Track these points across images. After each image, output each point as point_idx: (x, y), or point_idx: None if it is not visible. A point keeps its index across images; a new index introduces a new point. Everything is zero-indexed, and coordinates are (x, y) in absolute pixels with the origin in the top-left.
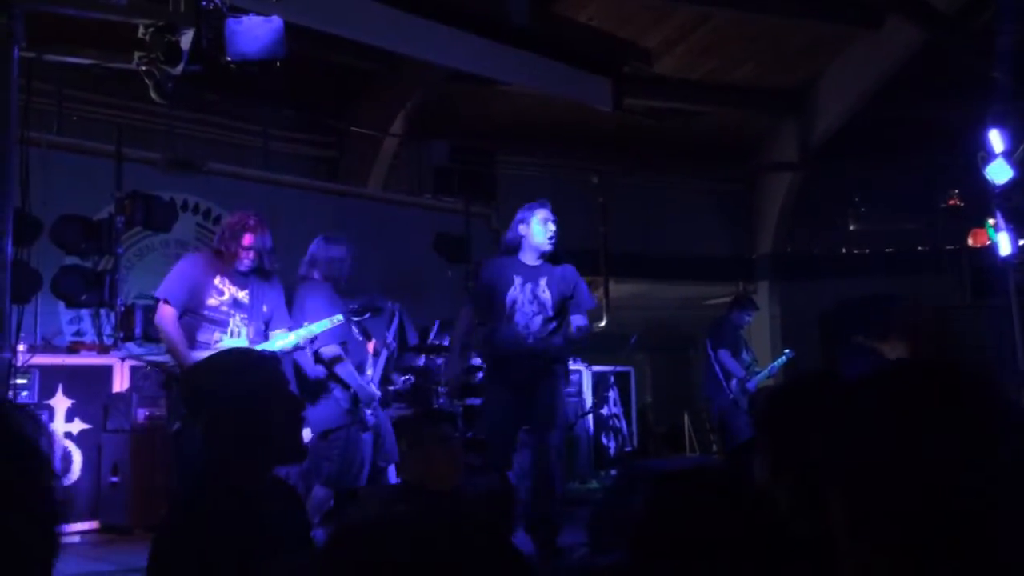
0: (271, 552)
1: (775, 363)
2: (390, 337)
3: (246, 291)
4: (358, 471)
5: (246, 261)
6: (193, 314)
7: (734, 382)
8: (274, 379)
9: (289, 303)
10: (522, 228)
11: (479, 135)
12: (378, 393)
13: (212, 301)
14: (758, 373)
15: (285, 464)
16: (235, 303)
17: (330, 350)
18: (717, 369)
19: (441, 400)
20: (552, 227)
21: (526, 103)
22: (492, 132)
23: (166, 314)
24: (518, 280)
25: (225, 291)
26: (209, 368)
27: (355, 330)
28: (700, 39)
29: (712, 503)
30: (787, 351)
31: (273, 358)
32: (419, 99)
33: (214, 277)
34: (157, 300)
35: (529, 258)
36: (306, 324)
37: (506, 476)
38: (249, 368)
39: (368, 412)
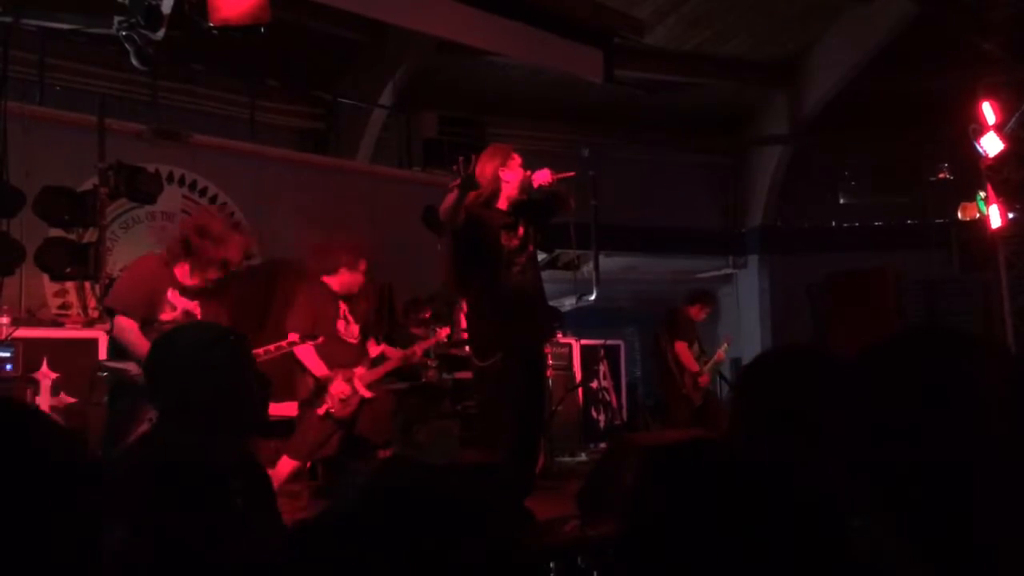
0: (238, 528)
1: (716, 354)
2: None
3: (196, 302)
4: (315, 449)
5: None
6: (147, 327)
7: (686, 376)
8: (245, 354)
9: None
10: (500, 175)
11: (468, 107)
12: (349, 390)
13: (165, 316)
14: (706, 365)
15: (253, 437)
16: (187, 315)
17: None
18: (670, 361)
19: (430, 374)
20: (522, 171)
21: (516, 74)
22: (481, 104)
23: (128, 326)
24: (505, 231)
25: (177, 305)
26: (178, 341)
27: (344, 327)
28: (691, 10)
29: (704, 475)
30: (724, 344)
31: (239, 334)
32: (408, 70)
33: (167, 290)
34: (111, 311)
35: (504, 206)
36: None
37: (517, 450)
38: (220, 342)
39: (339, 406)
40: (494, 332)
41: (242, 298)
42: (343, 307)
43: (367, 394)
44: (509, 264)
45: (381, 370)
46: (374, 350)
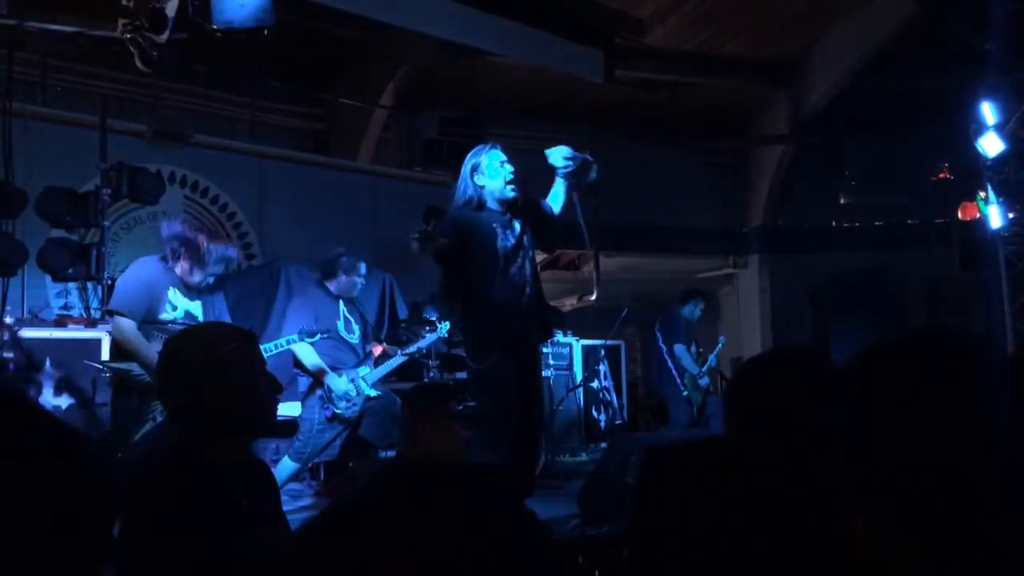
0: (242, 529)
1: (714, 352)
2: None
3: (198, 302)
4: (319, 451)
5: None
6: (148, 326)
7: (686, 377)
8: (255, 355)
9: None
10: (479, 179)
11: (469, 107)
12: (353, 389)
13: (165, 316)
14: (704, 365)
15: (261, 437)
16: (188, 316)
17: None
18: (670, 364)
19: (432, 373)
20: (509, 168)
21: (516, 74)
22: (482, 104)
23: (127, 327)
24: (499, 230)
25: (177, 305)
26: (190, 341)
27: (344, 327)
28: (692, 9)
29: (704, 475)
30: (721, 338)
31: (251, 334)
32: (408, 70)
33: (167, 289)
34: (111, 313)
35: (497, 207)
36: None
37: (520, 448)
38: (230, 343)
39: (344, 405)
40: (487, 333)
41: (241, 298)
42: (342, 308)
43: (371, 392)
44: (506, 264)
45: (385, 369)
46: (376, 350)
